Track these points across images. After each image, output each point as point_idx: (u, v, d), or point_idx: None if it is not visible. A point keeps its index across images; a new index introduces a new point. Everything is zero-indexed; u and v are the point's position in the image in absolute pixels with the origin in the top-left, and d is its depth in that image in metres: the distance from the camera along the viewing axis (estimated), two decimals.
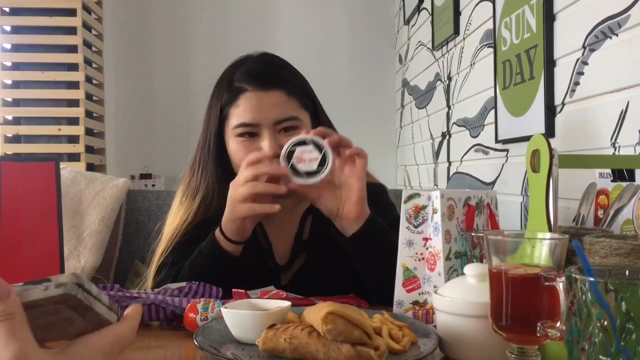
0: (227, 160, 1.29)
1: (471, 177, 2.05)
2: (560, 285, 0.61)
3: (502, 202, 1.72)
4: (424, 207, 0.95)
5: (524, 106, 1.53)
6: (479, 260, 0.92)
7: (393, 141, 3.51)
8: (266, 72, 1.26)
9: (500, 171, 1.75)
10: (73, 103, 2.94)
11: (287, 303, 0.83)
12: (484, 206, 1.06)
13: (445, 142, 2.40)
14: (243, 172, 1.12)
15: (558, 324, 0.63)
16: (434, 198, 0.94)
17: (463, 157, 2.14)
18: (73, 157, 2.91)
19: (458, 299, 0.77)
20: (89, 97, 3.03)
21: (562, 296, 0.61)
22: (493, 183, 1.82)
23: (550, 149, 0.77)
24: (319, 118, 1.34)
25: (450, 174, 2.32)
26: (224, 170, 1.30)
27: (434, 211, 0.94)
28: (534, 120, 1.47)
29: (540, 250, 0.67)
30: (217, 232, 1.16)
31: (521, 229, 1.55)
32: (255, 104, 1.22)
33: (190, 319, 0.90)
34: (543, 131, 1.42)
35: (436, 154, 2.53)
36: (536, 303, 0.66)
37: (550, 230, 0.76)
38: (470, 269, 0.78)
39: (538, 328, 0.64)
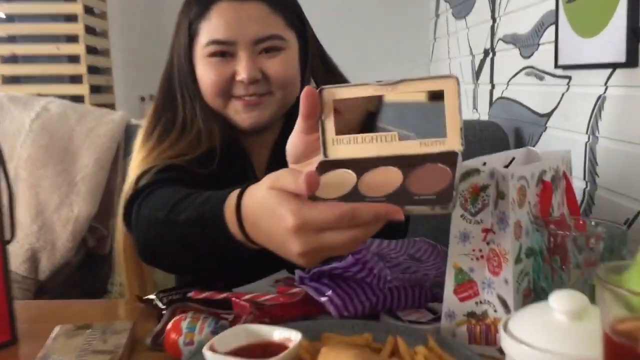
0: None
1: (520, 104, 1.77)
2: None
3: (559, 140, 1.45)
4: (484, 188, 0.70)
5: (597, 25, 1.23)
6: (560, 262, 0.68)
7: (426, 54, 3.17)
8: None
9: (559, 102, 1.47)
10: (71, 19, 2.68)
11: (298, 336, 0.60)
12: (560, 178, 0.80)
13: (488, 60, 2.09)
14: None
15: None
16: (500, 178, 0.69)
17: (510, 80, 1.84)
18: (75, 80, 2.67)
19: (544, 349, 0.53)
20: (88, 10, 2.76)
21: None
22: (548, 115, 1.54)
23: None
24: (307, 42, 1.12)
25: (494, 98, 2.03)
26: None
27: (500, 195, 0.69)
28: (610, 44, 1.18)
29: None
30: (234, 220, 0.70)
31: (584, 176, 1.29)
32: (230, 17, 1.01)
33: (172, 340, 0.68)
34: (622, 59, 1.13)
35: (476, 74, 2.23)
36: None
37: None
38: (560, 302, 0.54)
39: None
